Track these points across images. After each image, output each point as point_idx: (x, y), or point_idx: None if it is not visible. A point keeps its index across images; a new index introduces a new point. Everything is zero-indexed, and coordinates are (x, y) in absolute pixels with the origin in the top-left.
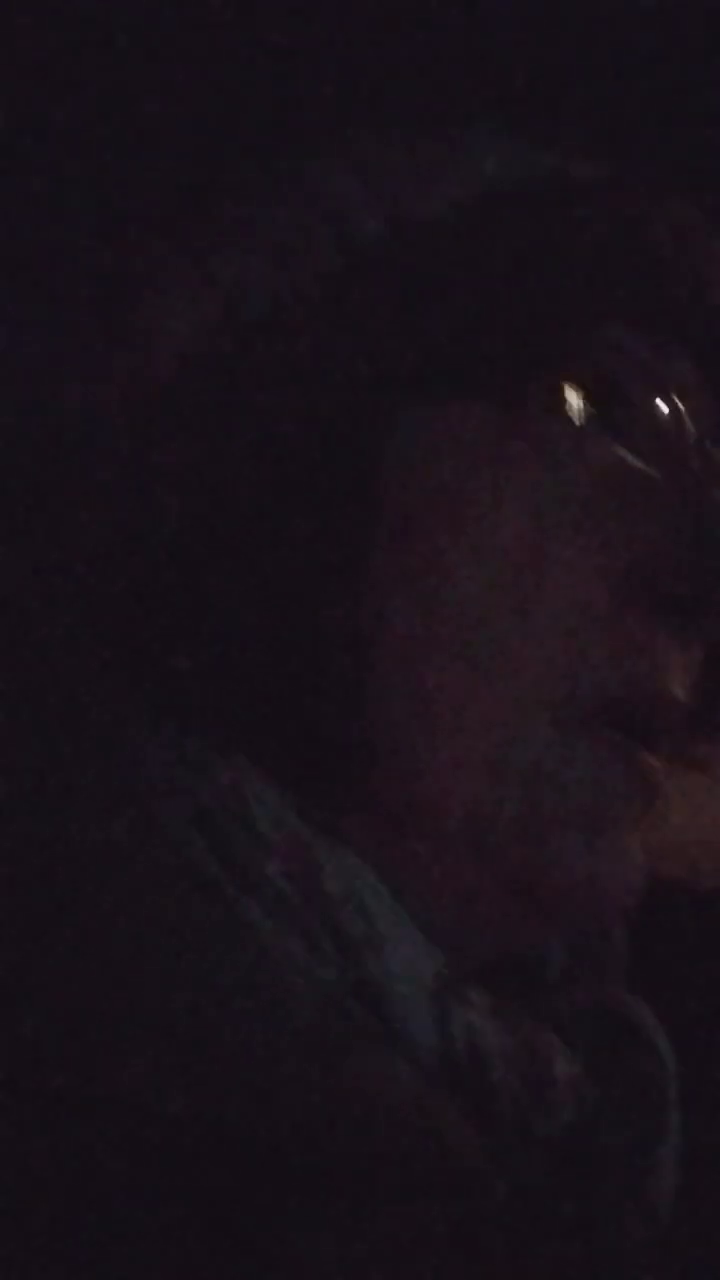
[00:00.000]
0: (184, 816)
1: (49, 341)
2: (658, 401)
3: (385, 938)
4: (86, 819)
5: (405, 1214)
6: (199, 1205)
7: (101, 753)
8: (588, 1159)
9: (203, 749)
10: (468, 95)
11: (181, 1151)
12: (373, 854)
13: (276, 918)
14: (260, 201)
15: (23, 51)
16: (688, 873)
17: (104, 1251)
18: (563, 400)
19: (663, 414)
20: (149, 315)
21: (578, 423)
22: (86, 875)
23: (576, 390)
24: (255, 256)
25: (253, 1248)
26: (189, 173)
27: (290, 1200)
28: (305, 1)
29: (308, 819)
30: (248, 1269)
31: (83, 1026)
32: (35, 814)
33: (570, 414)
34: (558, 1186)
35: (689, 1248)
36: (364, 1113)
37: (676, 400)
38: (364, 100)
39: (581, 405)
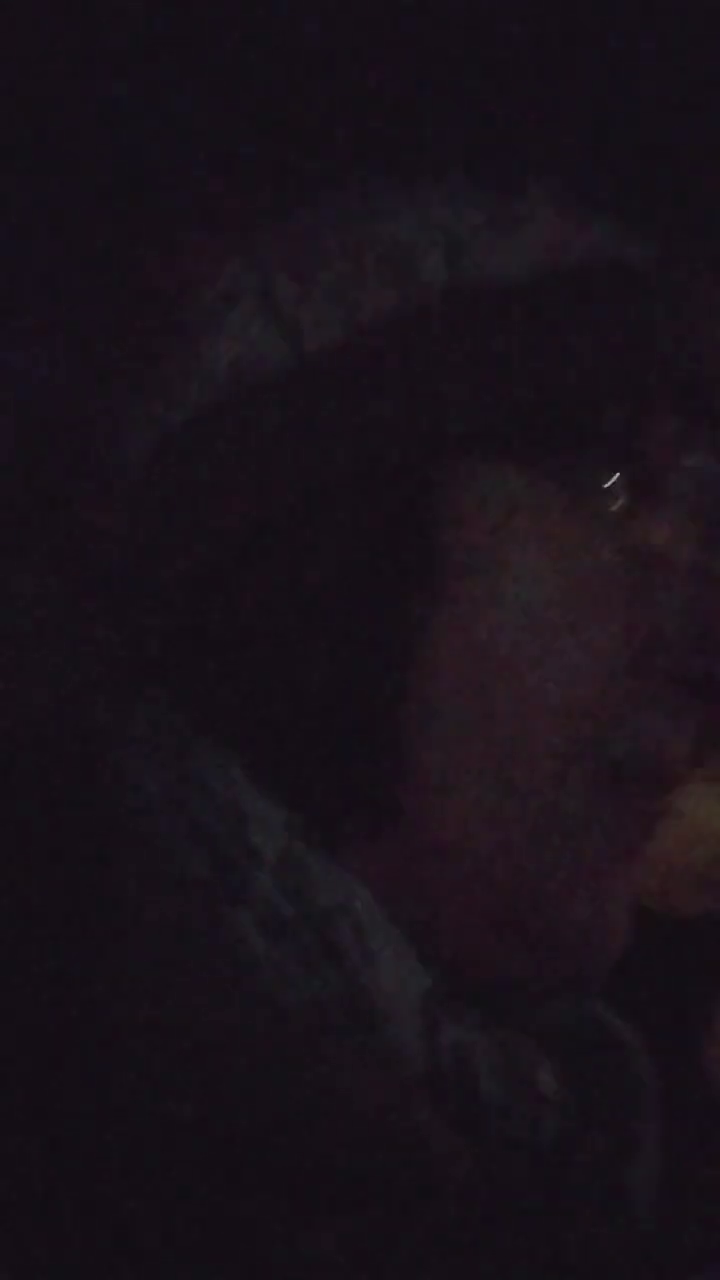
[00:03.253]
0: (180, 830)
1: (94, 368)
2: (688, 489)
3: (377, 953)
4: (82, 831)
5: (394, 1219)
6: (190, 1210)
7: (100, 767)
8: (569, 1167)
9: (201, 764)
10: (527, 160)
11: (169, 1158)
12: (376, 879)
13: (269, 931)
14: (325, 236)
15: (86, 73)
16: (665, 905)
17: (99, 1251)
18: (606, 479)
19: (691, 502)
20: (202, 341)
21: (617, 503)
22: (81, 887)
23: (620, 471)
24: (316, 290)
25: (243, 1250)
26: (256, 199)
27: (282, 1206)
28: (390, 44)
29: (302, 835)
30: (237, 1271)
31: (75, 1036)
32: (30, 823)
33: (612, 494)
34: (541, 1193)
35: (667, 1252)
36: (352, 1124)
37: (705, 488)
38: (426, 150)
39: (623, 486)
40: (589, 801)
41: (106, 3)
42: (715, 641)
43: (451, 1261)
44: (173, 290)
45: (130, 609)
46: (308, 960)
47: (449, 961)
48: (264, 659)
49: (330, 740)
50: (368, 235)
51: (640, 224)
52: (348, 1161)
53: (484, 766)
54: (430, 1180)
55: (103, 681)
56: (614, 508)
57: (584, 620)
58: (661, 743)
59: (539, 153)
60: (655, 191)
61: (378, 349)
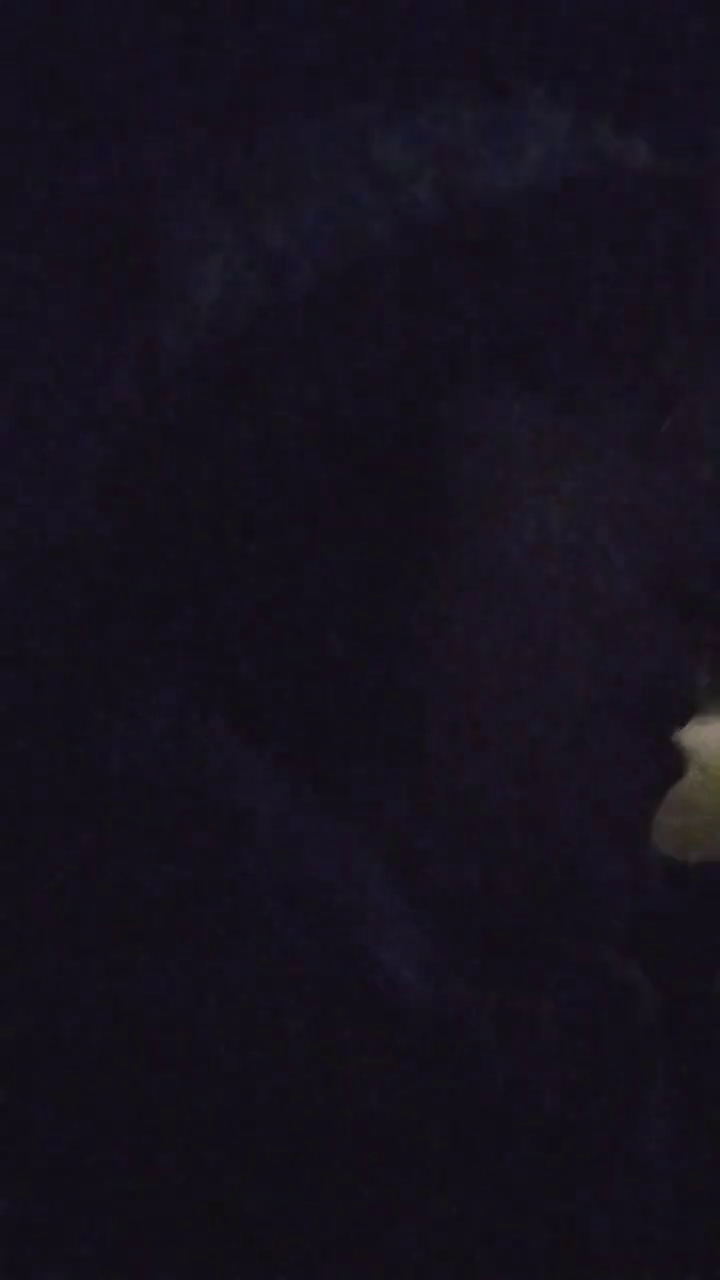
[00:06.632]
0: (172, 791)
1: (59, 303)
2: (704, 410)
3: (377, 910)
4: (75, 800)
5: (401, 1173)
6: (197, 1175)
7: (93, 729)
8: (577, 1116)
9: (194, 729)
10: (519, 60)
11: (168, 1128)
12: (388, 831)
13: (266, 897)
14: (307, 164)
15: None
16: (678, 849)
17: (111, 1224)
18: (623, 405)
19: (704, 425)
20: (178, 286)
21: (634, 429)
22: (76, 856)
23: (636, 395)
24: (303, 222)
25: (241, 1220)
26: (227, 129)
27: (284, 1174)
28: None
29: (301, 799)
30: (244, 1233)
31: (74, 1006)
32: (26, 793)
33: (629, 419)
34: (548, 1143)
35: (678, 1203)
36: (355, 1089)
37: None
38: (415, 64)
39: (639, 411)
40: (610, 742)
41: None
42: None
43: (456, 1224)
44: (144, 232)
45: (120, 567)
46: (306, 926)
47: (461, 913)
48: (269, 607)
49: (342, 684)
50: (354, 159)
51: (643, 125)
52: (350, 1127)
53: (502, 709)
54: (435, 1141)
55: (93, 646)
56: (632, 435)
57: (599, 550)
58: (682, 678)
59: (531, 52)
60: (658, 89)
61: (372, 282)
